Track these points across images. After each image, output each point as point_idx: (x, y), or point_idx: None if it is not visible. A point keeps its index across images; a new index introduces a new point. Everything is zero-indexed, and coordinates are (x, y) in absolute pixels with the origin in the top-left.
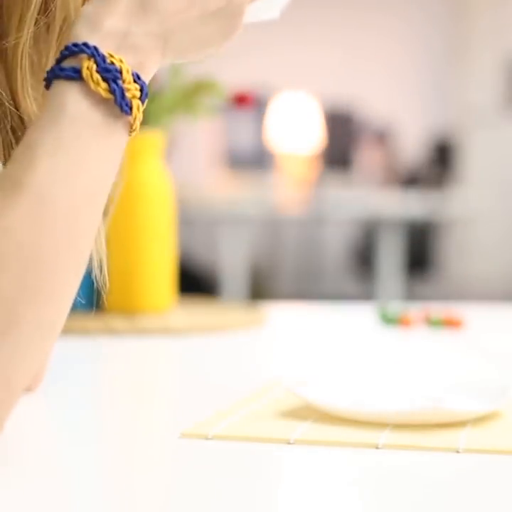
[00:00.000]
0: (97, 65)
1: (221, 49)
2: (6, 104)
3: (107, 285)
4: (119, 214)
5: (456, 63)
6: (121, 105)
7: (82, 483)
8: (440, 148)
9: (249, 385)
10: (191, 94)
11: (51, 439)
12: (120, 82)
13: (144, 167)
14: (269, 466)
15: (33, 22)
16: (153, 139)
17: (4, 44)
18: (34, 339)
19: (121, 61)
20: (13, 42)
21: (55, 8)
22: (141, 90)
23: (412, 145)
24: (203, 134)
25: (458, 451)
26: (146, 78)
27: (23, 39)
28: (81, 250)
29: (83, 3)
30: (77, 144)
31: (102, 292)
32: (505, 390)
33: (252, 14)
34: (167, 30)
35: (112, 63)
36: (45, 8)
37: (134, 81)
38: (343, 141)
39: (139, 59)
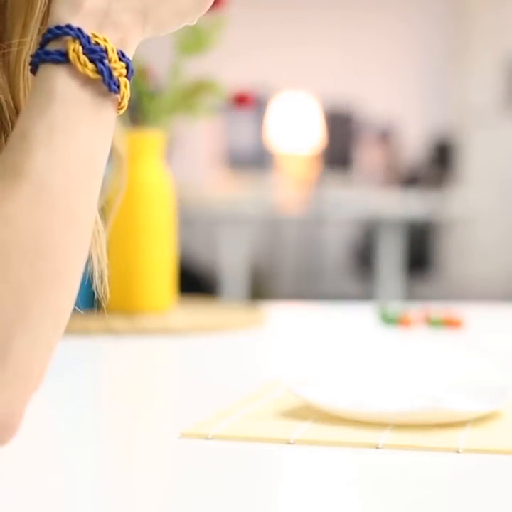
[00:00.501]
0: (83, 47)
1: (196, 19)
2: (8, 115)
3: (108, 296)
4: (119, 214)
5: (456, 63)
6: (110, 85)
7: (82, 483)
8: (440, 148)
9: (249, 385)
10: (191, 94)
11: (51, 439)
12: (106, 61)
13: (144, 167)
14: (269, 466)
15: (37, 31)
16: (153, 139)
17: (5, 48)
18: (46, 325)
19: (105, 40)
20: (16, 50)
21: None
22: (127, 67)
23: (412, 145)
24: (203, 134)
25: (458, 451)
26: (129, 54)
27: (26, 48)
28: (82, 231)
29: None
30: (69, 127)
31: (103, 303)
32: (505, 390)
33: None
34: (146, 5)
35: (97, 43)
36: (47, 17)
37: (120, 59)
38: (343, 141)
39: (121, 36)
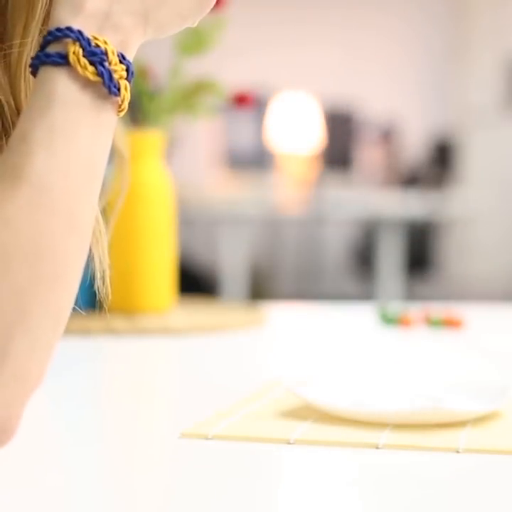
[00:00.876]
0: (83, 49)
1: (197, 21)
2: (9, 115)
3: (110, 297)
4: (119, 214)
5: (456, 63)
6: (110, 87)
7: (82, 483)
8: (440, 148)
9: (249, 385)
10: (191, 94)
11: (51, 439)
12: (107, 64)
13: (144, 167)
14: (269, 466)
15: (38, 31)
16: (153, 139)
17: (6, 49)
18: (46, 328)
19: (105, 43)
20: (17, 51)
21: None
22: (127, 70)
23: (412, 145)
24: (203, 134)
25: (458, 451)
26: (129, 56)
27: (27, 49)
28: (82, 233)
29: None
30: (69, 129)
31: (104, 303)
32: (505, 390)
33: None
34: (147, 7)
35: (97, 46)
36: (48, 18)
37: (120, 61)
38: (343, 141)
39: (121, 38)
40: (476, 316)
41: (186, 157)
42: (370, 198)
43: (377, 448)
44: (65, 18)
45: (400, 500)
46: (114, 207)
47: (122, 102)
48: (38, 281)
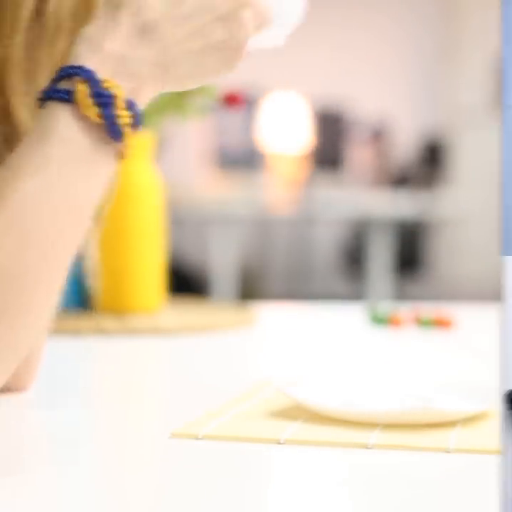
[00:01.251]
0: (91, 90)
1: (220, 78)
2: None
3: (98, 295)
4: (110, 214)
5: (447, 64)
6: (112, 132)
7: (72, 483)
8: (430, 148)
9: (240, 385)
10: (181, 95)
11: (41, 439)
12: (112, 108)
13: (134, 168)
14: (260, 466)
15: (24, 30)
16: (144, 139)
17: None
18: (5, 353)
19: (116, 86)
20: (5, 51)
21: (47, 17)
22: (134, 117)
23: (402, 145)
24: (193, 134)
25: (448, 451)
26: (141, 105)
27: (16, 48)
28: (61, 268)
29: (81, 14)
30: (64, 166)
31: (93, 301)
32: (495, 390)
33: (256, 42)
34: (168, 60)
35: (107, 88)
36: (38, 17)
37: (128, 108)
38: (333, 141)
39: (135, 85)
40: (466, 316)
41: (176, 157)
42: (361, 198)
43: (367, 448)
44: (82, 54)
45: (390, 500)
46: (103, 207)
47: (124, 148)
48: (3, 311)
